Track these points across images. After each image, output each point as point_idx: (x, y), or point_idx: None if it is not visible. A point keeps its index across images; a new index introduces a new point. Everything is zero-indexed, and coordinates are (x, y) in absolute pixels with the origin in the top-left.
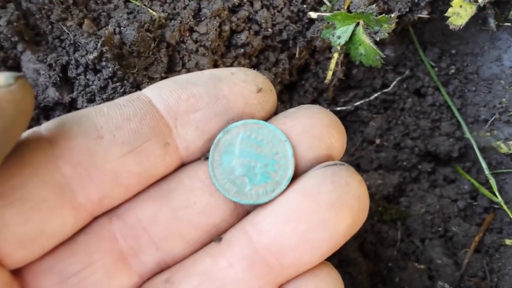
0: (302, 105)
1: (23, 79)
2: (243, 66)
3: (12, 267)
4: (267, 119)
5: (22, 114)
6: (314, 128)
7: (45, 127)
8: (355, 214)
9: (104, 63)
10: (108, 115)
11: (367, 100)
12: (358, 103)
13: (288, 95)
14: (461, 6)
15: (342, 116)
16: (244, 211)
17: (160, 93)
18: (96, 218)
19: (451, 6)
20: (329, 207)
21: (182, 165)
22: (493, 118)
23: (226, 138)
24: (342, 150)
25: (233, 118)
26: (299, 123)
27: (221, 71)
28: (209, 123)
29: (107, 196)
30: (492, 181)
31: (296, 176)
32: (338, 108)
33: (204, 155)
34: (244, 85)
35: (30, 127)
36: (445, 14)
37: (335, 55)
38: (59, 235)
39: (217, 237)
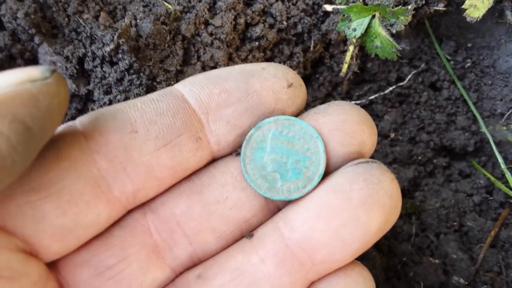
0: (333, 101)
1: (58, 73)
2: (258, 59)
3: (48, 259)
4: (297, 114)
5: (58, 106)
6: (346, 124)
7: (80, 121)
8: (387, 212)
9: (120, 56)
10: (142, 110)
11: (382, 93)
12: (372, 96)
13: None
14: None
15: None
16: (275, 207)
17: (192, 88)
18: (130, 212)
19: None
20: (361, 204)
21: (213, 160)
22: (509, 112)
23: (257, 134)
24: (373, 147)
25: (264, 113)
26: (331, 120)
27: (252, 66)
28: (240, 118)
29: (141, 189)
30: (508, 176)
31: (327, 172)
32: (353, 102)
33: (235, 151)
34: (275, 80)
35: None
36: (462, 7)
37: (351, 48)
38: (95, 227)
39: (248, 233)
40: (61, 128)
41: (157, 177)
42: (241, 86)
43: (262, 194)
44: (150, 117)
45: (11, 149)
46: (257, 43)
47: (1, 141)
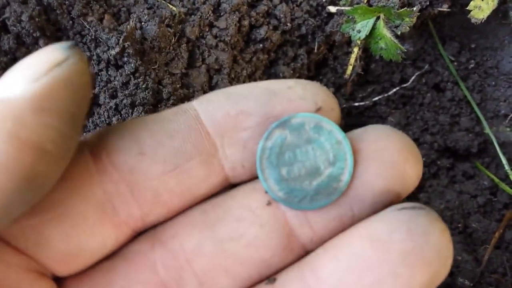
0: (370, 125)
1: (77, 47)
2: (262, 61)
3: (56, 276)
4: None
5: (88, 84)
6: (384, 152)
7: (87, 139)
8: (434, 269)
9: (126, 59)
10: (151, 130)
11: (385, 95)
12: (376, 98)
13: None
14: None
15: (360, 112)
16: (299, 246)
17: (208, 107)
18: (138, 241)
19: None
20: (402, 259)
21: (230, 185)
22: None
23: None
24: (417, 180)
25: None
26: (366, 147)
27: (278, 84)
28: (258, 144)
29: (149, 214)
30: None
31: (365, 216)
32: (356, 104)
33: (255, 177)
34: (301, 103)
35: None
36: (467, 8)
37: (355, 50)
38: (101, 252)
39: (270, 278)
40: None
41: (165, 203)
42: (261, 108)
43: (296, 209)
44: (159, 138)
45: (66, 139)
46: (261, 45)
47: (55, 134)
